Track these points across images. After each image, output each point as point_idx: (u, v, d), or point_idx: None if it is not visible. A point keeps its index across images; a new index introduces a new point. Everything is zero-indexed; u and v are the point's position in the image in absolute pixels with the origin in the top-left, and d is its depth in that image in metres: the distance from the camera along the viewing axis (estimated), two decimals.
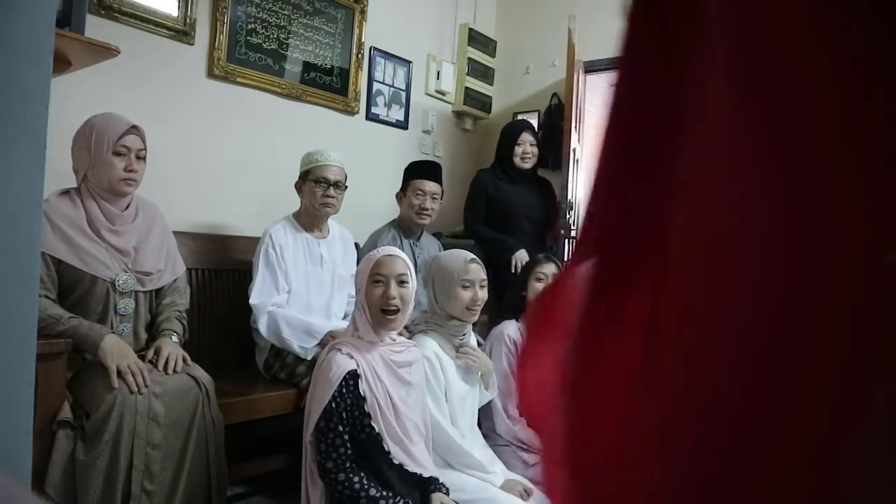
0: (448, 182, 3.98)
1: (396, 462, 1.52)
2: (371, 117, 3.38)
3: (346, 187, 2.36)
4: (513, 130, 3.18)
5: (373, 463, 1.50)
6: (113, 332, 1.55)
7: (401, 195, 2.70)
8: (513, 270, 2.75)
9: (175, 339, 1.66)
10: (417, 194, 2.60)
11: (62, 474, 1.37)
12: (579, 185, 3.78)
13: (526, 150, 3.11)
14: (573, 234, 3.50)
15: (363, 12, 3.23)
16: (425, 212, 2.60)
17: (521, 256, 2.82)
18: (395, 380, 1.57)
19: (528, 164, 3.12)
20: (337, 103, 3.16)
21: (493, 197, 3.09)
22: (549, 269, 2.17)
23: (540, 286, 2.10)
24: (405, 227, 2.64)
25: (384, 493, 1.45)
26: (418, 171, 2.68)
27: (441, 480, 1.58)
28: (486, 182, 3.12)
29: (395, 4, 3.46)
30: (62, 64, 1.71)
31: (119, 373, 1.44)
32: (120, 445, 1.39)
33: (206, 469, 1.53)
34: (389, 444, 1.51)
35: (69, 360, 1.45)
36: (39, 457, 1.32)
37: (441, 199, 2.70)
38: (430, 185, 2.63)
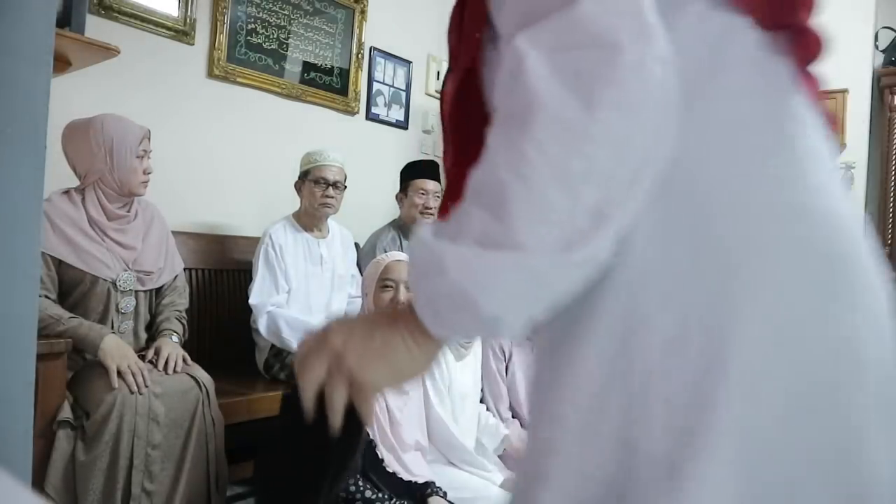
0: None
1: (390, 470, 1.52)
2: (371, 117, 3.38)
3: (346, 187, 2.36)
4: None
5: (365, 470, 1.49)
6: (113, 333, 1.55)
7: (401, 196, 2.70)
8: None
9: (175, 339, 1.67)
10: (420, 194, 2.61)
11: (62, 474, 1.37)
12: None
13: None
14: None
15: (363, 12, 3.23)
16: (429, 211, 2.61)
17: None
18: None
19: None
20: (337, 103, 3.15)
21: None
22: None
23: None
24: (405, 228, 2.64)
25: (379, 494, 1.45)
26: (419, 170, 2.69)
27: (438, 484, 1.58)
28: None
29: (395, 4, 3.46)
30: (62, 64, 1.71)
31: (119, 373, 1.44)
32: (120, 445, 1.39)
33: (205, 469, 1.53)
34: (383, 452, 1.51)
35: (69, 360, 1.45)
36: (39, 457, 1.32)
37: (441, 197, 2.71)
38: (432, 184, 2.64)
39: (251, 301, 2.07)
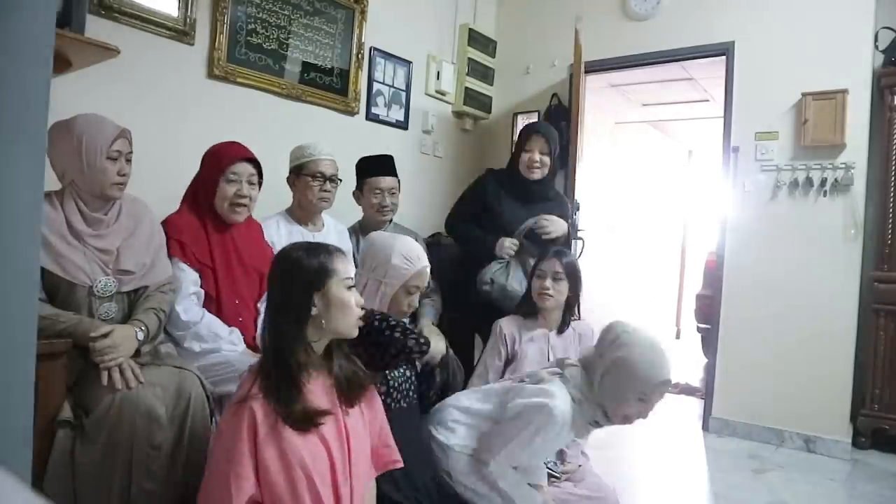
0: (447, 182, 3.98)
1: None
2: (371, 117, 3.38)
3: (341, 180, 2.37)
4: (523, 134, 2.67)
5: None
6: (112, 328, 1.53)
7: (358, 194, 2.62)
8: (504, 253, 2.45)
9: (141, 334, 1.56)
10: (375, 193, 2.54)
11: (62, 474, 1.37)
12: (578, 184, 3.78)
13: (534, 159, 2.54)
14: (579, 234, 3.50)
15: (363, 12, 3.23)
16: (385, 208, 2.55)
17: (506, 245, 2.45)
18: None
19: (535, 175, 2.56)
20: (337, 103, 3.15)
21: (488, 206, 2.61)
22: (551, 265, 2.00)
23: (537, 284, 2.02)
24: (367, 228, 2.56)
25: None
26: (371, 168, 2.58)
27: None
28: (488, 188, 2.66)
29: (395, 4, 3.46)
30: (62, 64, 1.71)
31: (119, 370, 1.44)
32: (119, 445, 1.38)
33: (202, 466, 1.52)
34: None
35: (69, 359, 1.45)
36: (39, 457, 1.32)
37: (399, 191, 2.62)
38: (386, 181, 2.55)
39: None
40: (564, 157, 3.69)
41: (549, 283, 1.99)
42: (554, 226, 2.46)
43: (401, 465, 1.43)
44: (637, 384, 1.47)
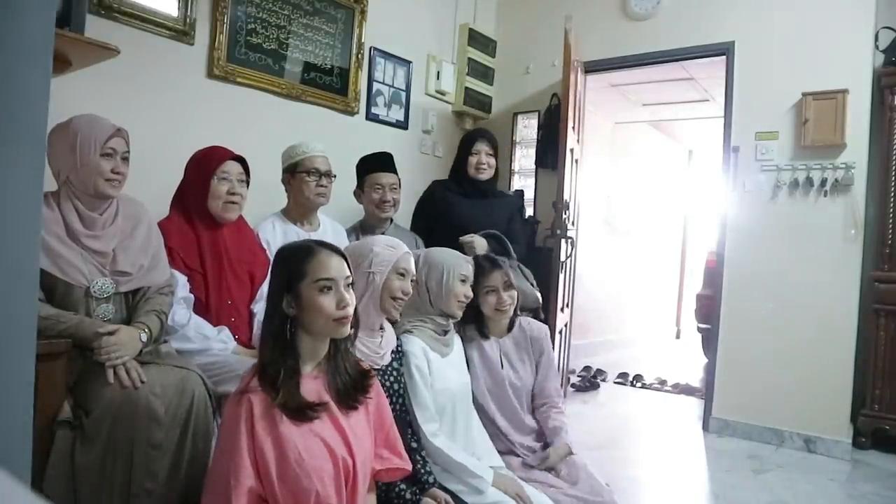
0: None
1: None
2: (371, 117, 3.38)
3: (335, 176, 2.37)
4: (468, 139, 2.91)
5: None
6: (116, 328, 1.52)
7: (359, 192, 2.66)
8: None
9: (144, 336, 1.56)
10: (376, 189, 2.58)
11: (61, 474, 1.36)
12: (578, 183, 3.78)
13: (481, 161, 2.81)
14: (569, 233, 3.50)
15: (363, 12, 3.23)
16: (387, 203, 2.58)
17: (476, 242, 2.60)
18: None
19: (483, 176, 2.83)
20: (337, 103, 3.16)
21: (441, 210, 2.83)
22: (498, 277, 1.95)
23: (493, 299, 1.93)
24: (368, 227, 2.62)
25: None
26: (371, 165, 2.63)
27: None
28: (435, 194, 2.91)
29: (395, 4, 3.46)
30: (62, 64, 1.71)
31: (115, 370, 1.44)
32: (119, 444, 1.38)
33: (205, 466, 1.53)
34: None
35: (70, 359, 1.45)
36: (39, 457, 1.32)
37: (399, 188, 2.66)
38: (387, 177, 2.60)
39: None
40: (554, 156, 3.70)
41: (504, 295, 1.95)
42: (476, 243, 2.61)
43: (409, 471, 1.43)
44: (450, 268, 1.78)
